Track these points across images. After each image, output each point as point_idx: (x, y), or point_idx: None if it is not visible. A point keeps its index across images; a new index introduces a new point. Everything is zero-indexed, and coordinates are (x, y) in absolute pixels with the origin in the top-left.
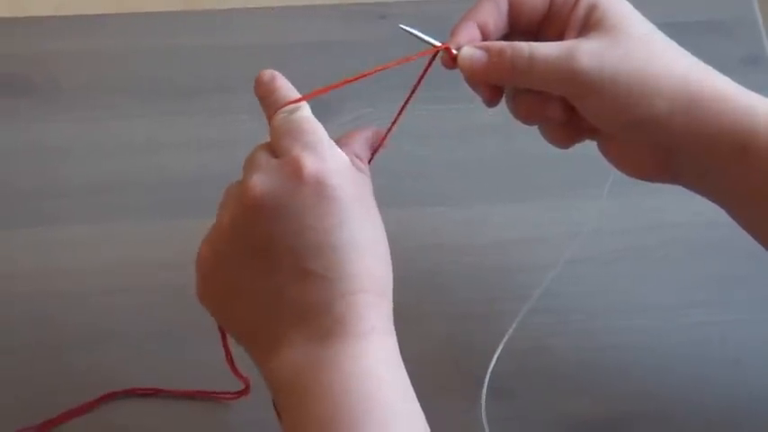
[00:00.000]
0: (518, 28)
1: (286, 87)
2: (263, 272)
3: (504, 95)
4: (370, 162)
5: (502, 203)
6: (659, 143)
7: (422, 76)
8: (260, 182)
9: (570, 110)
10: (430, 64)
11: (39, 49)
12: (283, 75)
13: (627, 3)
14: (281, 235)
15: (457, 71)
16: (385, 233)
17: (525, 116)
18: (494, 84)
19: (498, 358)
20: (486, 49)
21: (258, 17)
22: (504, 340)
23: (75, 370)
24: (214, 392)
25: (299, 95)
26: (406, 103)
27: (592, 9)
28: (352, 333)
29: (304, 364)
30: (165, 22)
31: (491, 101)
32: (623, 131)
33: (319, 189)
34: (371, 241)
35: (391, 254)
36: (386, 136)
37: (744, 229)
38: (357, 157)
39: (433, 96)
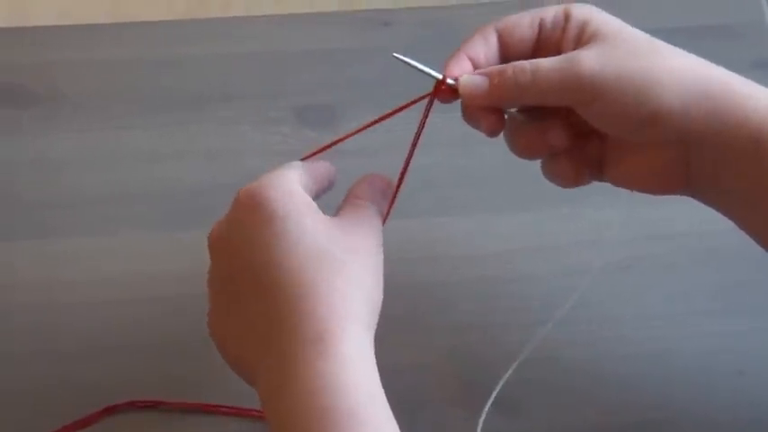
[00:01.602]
0: (511, 58)
1: None
2: (234, 302)
3: (503, 133)
4: (388, 212)
5: (506, 213)
6: (673, 140)
7: (424, 120)
8: (215, 224)
9: (572, 137)
10: (430, 107)
11: (41, 59)
12: (287, 83)
13: (617, 19)
14: (236, 260)
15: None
16: (363, 256)
17: (526, 147)
18: (496, 106)
19: (502, 369)
20: (487, 73)
21: (261, 25)
22: (519, 359)
23: (76, 382)
24: (216, 406)
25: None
26: (412, 151)
27: (584, 25)
28: (302, 342)
29: (270, 391)
30: (168, 31)
31: (493, 130)
32: (636, 131)
33: (253, 203)
34: (320, 251)
35: (393, 264)
36: (398, 186)
37: (753, 237)
38: (354, 195)
39: (435, 104)
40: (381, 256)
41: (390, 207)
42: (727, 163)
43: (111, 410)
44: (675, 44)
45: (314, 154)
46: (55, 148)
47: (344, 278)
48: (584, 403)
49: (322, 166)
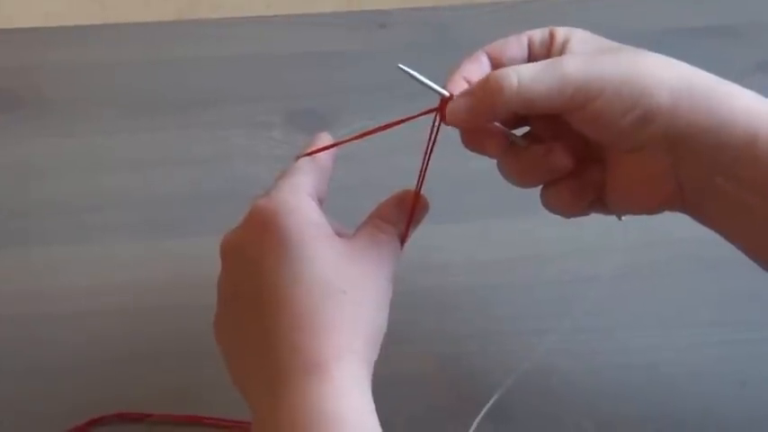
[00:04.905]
0: None
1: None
2: (236, 317)
3: (500, 165)
4: (406, 236)
5: (504, 220)
6: (663, 141)
7: (432, 141)
8: (229, 232)
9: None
10: (437, 125)
11: (25, 62)
12: (277, 86)
13: (597, 36)
14: (242, 275)
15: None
16: (367, 287)
17: (529, 170)
18: (488, 116)
19: (499, 378)
20: (469, 92)
21: (251, 26)
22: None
23: (61, 394)
24: (203, 418)
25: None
26: (425, 167)
27: (566, 42)
28: (294, 372)
29: (260, 413)
30: (155, 33)
31: (497, 145)
32: (630, 132)
33: (265, 225)
34: (322, 283)
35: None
36: (411, 213)
37: (743, 249)
38: (378, 215)
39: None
40: (389, 286)
41: (407, 232)
42: (720, 164)
43: (97, 422)
44: (679, 44)
45: (313, 152)
46: (38, 153)
47: (343, 311)
48: (581, 414)
49: (324, 157)
